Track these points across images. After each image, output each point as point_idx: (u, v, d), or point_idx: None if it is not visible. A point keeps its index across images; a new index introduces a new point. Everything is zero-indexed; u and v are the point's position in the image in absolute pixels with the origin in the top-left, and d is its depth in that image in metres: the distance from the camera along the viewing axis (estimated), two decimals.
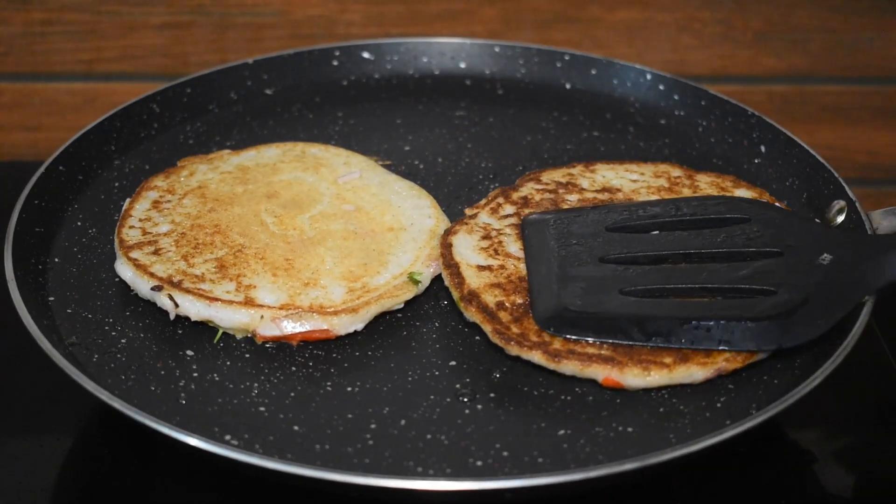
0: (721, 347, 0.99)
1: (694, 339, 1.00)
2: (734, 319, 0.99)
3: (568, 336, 1.01)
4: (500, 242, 1.12)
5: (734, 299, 1.01)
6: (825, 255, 1.01)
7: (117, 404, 0.95)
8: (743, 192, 1.19)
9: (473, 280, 1.07)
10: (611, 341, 1.01)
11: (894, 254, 1.01)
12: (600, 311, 1.01)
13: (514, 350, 1.02)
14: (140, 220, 1.15)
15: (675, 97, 1.40)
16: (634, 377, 0.99)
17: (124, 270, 1.09)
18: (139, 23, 1.58)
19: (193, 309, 1.05)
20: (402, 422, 0.98)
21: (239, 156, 1.25)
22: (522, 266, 1.09)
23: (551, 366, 1.00)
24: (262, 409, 0.99)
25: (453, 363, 1.04)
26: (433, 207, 1.18)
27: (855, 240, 1.05)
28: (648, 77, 1.41)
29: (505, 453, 0.96)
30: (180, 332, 1.06)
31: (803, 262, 1.02)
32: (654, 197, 1.18)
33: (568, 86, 1.44)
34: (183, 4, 1.57)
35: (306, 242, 1.12)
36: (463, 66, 1.46)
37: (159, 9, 1.57)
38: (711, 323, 0.99)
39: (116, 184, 1.25)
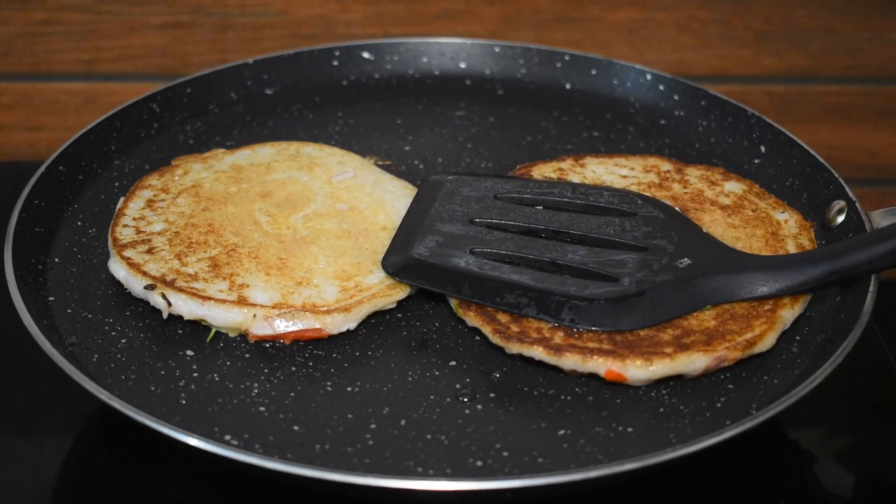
0: (554, 320, 1.02)
1: (520, 306, 1.02)
2: (562, 295, 1.01)
3: (402, 279, 1.06)
4: None
5: (574, 278, 1.04)
6: (685, 259, 1.04)
7: (117, 404, 0.95)
8: (732, 185, 1.20)
9: None
10: (444, 292, 1.05)
11: (750, 274, 1.04)
12: (440, 263, 1.05)
13: (514, 347, 1.02)
14: (134, 219, 1.15)
15: (675, 97, 1.40)
16: (637, 368, 0.99)
17: (118, 269, 1.09)
18: (139, 23, 1.58)
19: (186, 308, 1.05)
20: (402, 422, 0.98)
21: (233, 155, 1.25)
22: None
23: (552, 360, 1.01)
24: (262, 409, 0.99)
25: (453, 363, 1.04)
26: None
27: (721, 253, 1.07)
28: (648, 77, 1.41)
29: (505, 453, 0.96)
30: (180, 331, 1.06)
31: (660, 260, 1.04)
32: (645, 193, 1.18)
33: (568, 86, 1.44)
34: (183, 4, 1.57)
35: (300, 241, 1.12)
36: (463, 66, 1.46)
37: (159, 9, 1.57)
38: (539, 292, 1.02)
39: (116, 184, 1.25)
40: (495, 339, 1.03)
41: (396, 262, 1.07)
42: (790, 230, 1.14)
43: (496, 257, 1.06)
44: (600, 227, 1.09)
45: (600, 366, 1.00)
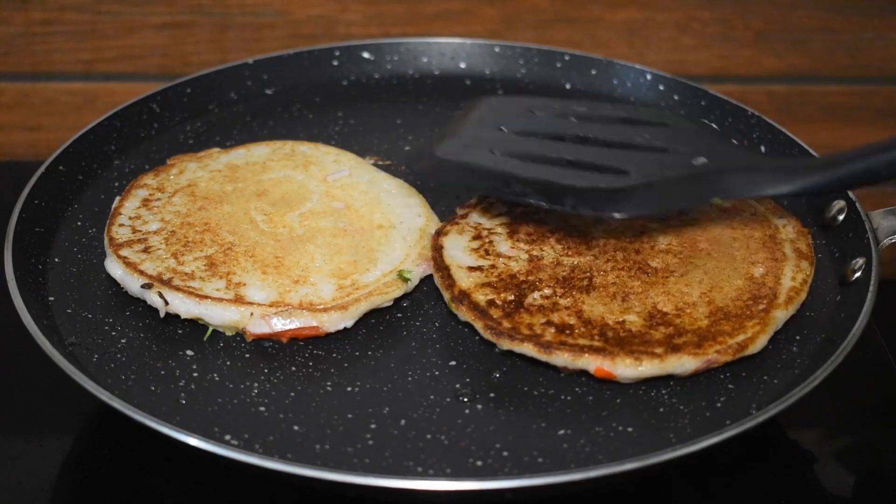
0: (558, 207, 1.02)
1: (526, 194, 1.03)
2: (566, 184, 1.02)
3: (421, 173, 1.12)
4: (491, 242, 1.12)
5: (583, 171, 1.04)
6: (702, 158, 1.04)
7: (117, 404, 0.95)
8: None
9: (464, 281, 1.08)
10: (458, 183, 1.10)
11: (762, 173, 1.02)
12: (457, 159, 1.07)
13: (505, 344, 1.02)
14: (130, 219, 1.15)
15: (675, 97, 1.39)
16: (626, 367, 1.00)
17: (114, 268, 1.09)
18: (139, 23, 1.58)
19: (183, 307, 1.05)
20: (402, 422, 0.98)
21: (229, 154, 1.25)
22: (513, 264, 1.10)
23: (543, 357, 1.01)
24: (262, 409, 0.99)
25: (453, 363, 1.04)
26: (423, 206, 1.18)
27: (740, 154, 1.06)
28: (648, 77, 1.41)
29: (505, 453, 0.96)
30: (180, 331, 1.06)
31: (675, 159, 1.05)
32: None
33: (568, 86, 1.44)
34: (183, 4, 1.57)
35: (296, 240, 1.12)
36: (463, 66, 1.46)
37: (159, 9, 1.57)
38: (545, 183, 1.03)
39: (116, 184, 1.25)
40: (486, 335, 1.03)
41: (419, 161, 1.10)
42: (788, 235, 1.14)
43: (513, 155, 1.07)
44: (626, 134, 1.09)
45: (590, 363, 1.00)
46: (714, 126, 1.11)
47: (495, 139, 1.10)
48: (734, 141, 1.10)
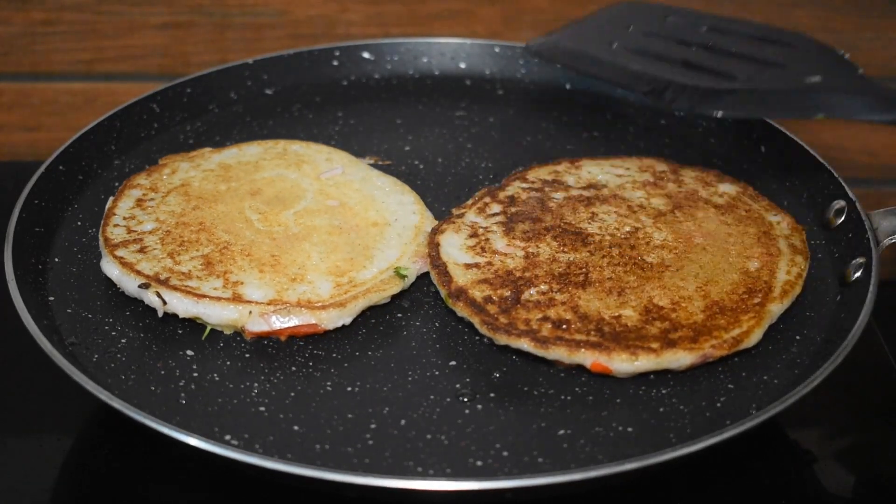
0: (658, 101, 1.06)
1: (631, 85, 1.07)
2: (672, 78, 1.05)
3: (540, 58, 1.17)
4: (487, 240, 1.13)
5: (693, 69, 1.07)
6: (816, 77, 1.05)
7: (117, 404, 0.95)
8: (726, 186, 1.21)
9: (461, 278, 1.08)
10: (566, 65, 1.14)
11: (870, 98, 1.03)
12: (575, 46, 1.11)
13: (502, 339, 1.02)
14: (124, 219, 1.15)
15: None
16: (622, 362, 1.00)
17: (110, 269, 1.09)
18: (139, 23, 1.58)
19: (181, 306, 1.05)
20: (402, 422, 0.98)
21: (220, 154, 1.25)
22: (509, 261, 1.10)
23: (540, 352, 1.01)
24: (262, 409, 0.99)
25: (453, 363, 1.04)
26: (417, 203, 1.19)
27: (856, 77, 1.07)
28: None
29: (505, 453, 0.96)
30: (180, 331, 1.06)
31: (789, 74, 1.06)
32: (639, 192, 1.19)
33: (568, 86, 1.44)
34: (183, 4, 1.57)
35: (291, 238, 1.12)
36: (463, 66, 1.46)
37: (159, 9, 1.57)
38: (648, 76, 1.05)
39: (116, 184, 1.25)
40: (483, 330, 1.03)
41: (537, 45, 1.16)
42: (782, 231, 1.15)
43: (629, 50, 1.10)
44: (750, 48, 1.10)
45: (587, 358, 1.00)
46: (842, 52, 1.11)
47: (618, 34, 1.12)
48: (857, 69, 1.10)
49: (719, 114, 1.01)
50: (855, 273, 1.11)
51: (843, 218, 1.17)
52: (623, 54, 1.08)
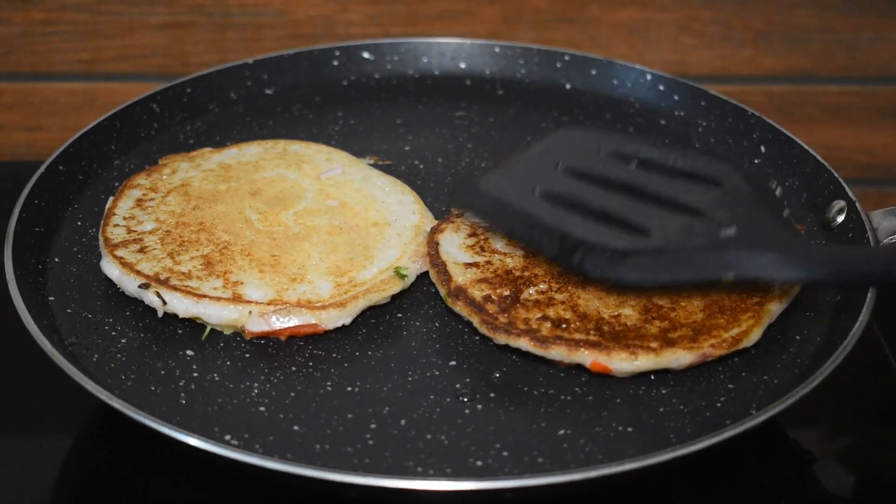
0: (566, 263, 1.00)
1: (541, 242, 1.01)
2: (578, 237, 0.99)
3: (459, 207, 1.11)
4: (486, 239, 1.13)
5: (603, 226, 1.01)
6: (732, 229, 0.99)
7: (117, 404, 0.95)
8: None
9: (460, 277, 1.08)
10: (485, 223, 1.09)
11: (780, 255, 0.96)
12: (494, 195, 1.05)
13: (501, 338, 1.03)
14: (124, 219, 1.15)
15: (675, 97, 1.39)
16: (621, 361, 1.00)
17: (110, 269, 1.09)
18: (139, 23, 1.58)
19: (181, 306, 1.05)
20: (402, 422, 0.98)
21: (220, 154, 1.25)
22: (508, 261, 1.10)
23: (539, 351, 1.01)
24: (262, 409, 0.99)
25: (453, 363, 1.04)
26: (417, 203, 1.19)
27: (773, 231, 0.99)
28: (648, 77, 1.41)
29: (505, 453, 0.96)
30: (180, 331, 1.06)
31: (705, 226, 1.00)
32: None
33: (568, 86, 1.44)
34: (183, 4, 1.57)
35: (291, 238, 1.12)
36: (463, 66, 1.46)
37: (159, 9, 1.57)
38: (560, 232, 1.00)
39: (116, 184, 1.25)
40: (483, 330, 1.04)
41: (460, 192, 1.10)
42: None
43: (549, 198, 1.04)
44: (676, 189, 1.05)
45: (586, 357, 1.00)
46: (774, 184, 1.06)
47: (543, 176, 1.06)
48: (783, 209, 1.04)
49: (623, 280, 0.97)
50: None
51: (843, 218, 1.17)
52: (541, 205, 1.03)
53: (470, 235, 1.13)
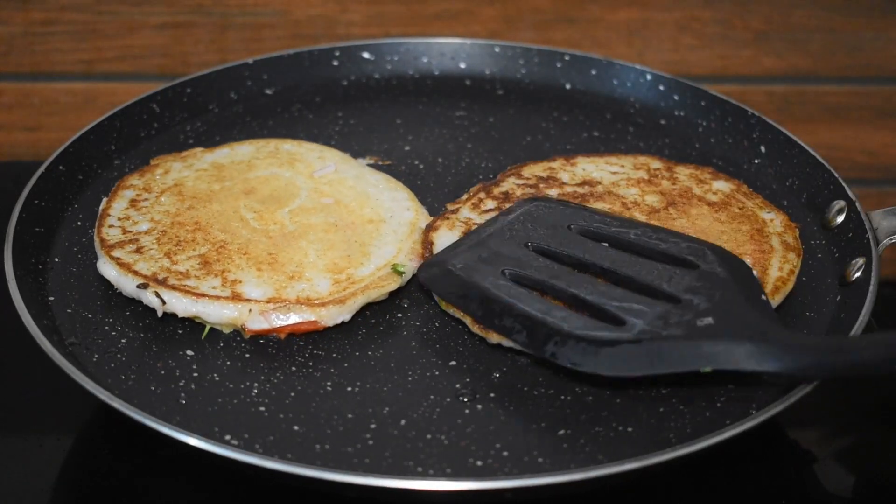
0: (538, 352, 0.98)
1: (513, 331, 0.99)
2: (552, 327, 0.97)
3: (426, 287, 1.07)
4: None
5: (578, 315, 0.99)
6: (709, 318, 0.97)
7: (117, 404, 0.95)
8: (721, 184, 1.21)
9: None
10: (456, 305, 1.05)
11: (761, 346, 0.94)
12: (465, 277, 1.03)
13: (494, 337, 1.03)
14: (119, 219, 1.15)
15: (675, 97, 1.40)
16: None
17: (108, 269, 1.09)
18: (139, 23, 1.58)
19: (181, 305, 1.05)
20: (402, 422, 0.98)
21: (213, 153, 1.25)
22: None
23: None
24: (262, 409, 0.99)
25: (453, 363, 1.04)
26: (411, 199, 1.19)
27: (750, 321, 0.97)
28: (648, 77, 1.41)
29: (505, 453, 0.96)
30: (180, 331, 1.06)
31: (682, 315, 0.98)
32: (634, 189, 1.18)
33: (568, 86, 1.44)
34: (183, 4, 1.57)
35: (288, 236, 1.13)
36: (463, 66, 1.46)
37: (159, 9, 1.57)
38: (533, 321, 0.98)
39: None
40: (475, 329, 1.04)
41: (428, 270, 1.07)
42: (775, 228, 1.15)
43: (521, 282, 1.03)
44: (651, 272, 1.03)
45: None
46: (747, 265, 1.04)
47: (514, 255, 1.05)
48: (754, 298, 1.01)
49: (604, 373, 0.95)
50: (855, 273, 1.11)
51: (843, 218, 1.17)
52: (511, 289, 1.01)
53: (464, 233, 1.13)
